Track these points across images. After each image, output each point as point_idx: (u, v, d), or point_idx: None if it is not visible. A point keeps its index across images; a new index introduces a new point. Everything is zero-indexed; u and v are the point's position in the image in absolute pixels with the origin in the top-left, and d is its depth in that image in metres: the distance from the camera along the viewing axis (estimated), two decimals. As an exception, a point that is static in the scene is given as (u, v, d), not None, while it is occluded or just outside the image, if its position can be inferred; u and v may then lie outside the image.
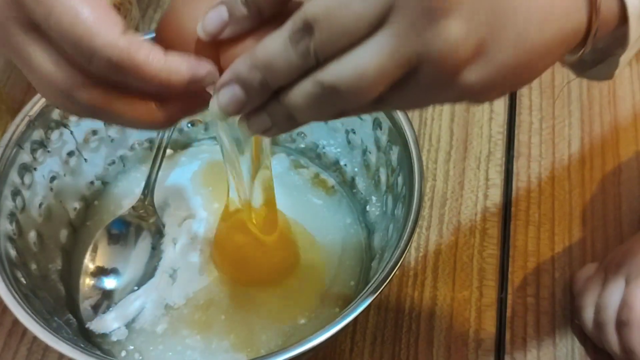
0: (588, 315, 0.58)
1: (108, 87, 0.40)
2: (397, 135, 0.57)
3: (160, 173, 0.62)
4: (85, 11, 0.38)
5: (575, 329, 0.61)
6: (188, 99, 0.42)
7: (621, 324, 0.54)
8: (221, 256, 0.59)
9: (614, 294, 0.55)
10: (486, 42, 0.35)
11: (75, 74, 0.40)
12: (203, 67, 0.40)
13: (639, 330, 0.53)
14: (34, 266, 0.57)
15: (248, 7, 0.38)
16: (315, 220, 0.63)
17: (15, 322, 0.62)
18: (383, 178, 0.60)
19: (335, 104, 0.37)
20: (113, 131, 0.64)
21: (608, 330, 0.55)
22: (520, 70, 0.37)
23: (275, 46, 0.37)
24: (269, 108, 0.39)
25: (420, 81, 0.36)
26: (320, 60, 0.36)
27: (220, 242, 0.59)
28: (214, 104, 0.40)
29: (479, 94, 0.38)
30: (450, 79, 0.36)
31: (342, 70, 0.36)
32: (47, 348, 0.61)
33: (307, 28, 0.35)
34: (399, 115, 0.57)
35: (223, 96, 0.39)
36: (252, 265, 0.59)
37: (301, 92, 0.37)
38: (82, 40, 0.38)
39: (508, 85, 0.38)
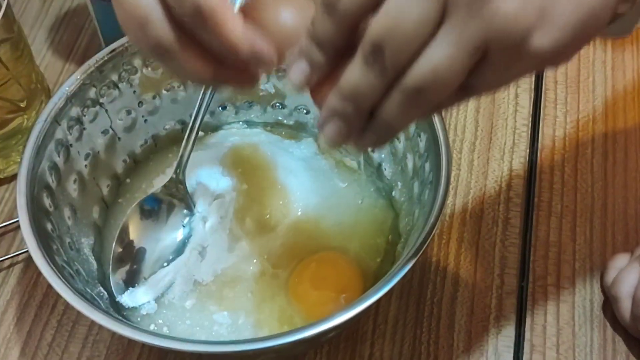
0: (625, 306, 0.59)
1: (182, 31, 0.43)
2: (426, 123, 0.58)
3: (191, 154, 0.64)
4: None
5: (594, 317, 0.62)
6: (241, 71, 0.46)
7: None
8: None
9: None
10: (544, 5, 0.37)
11: (159, 7, 0.43)
12: (267, 51, 0.44)
13: None
14: (68, 240, 0.58)
15: (325, 51, 0.41)
16: (341, 202, 0.64)
17: (46, 294, 0.64)
18: (410, 164, 0.61)
19: (423, 103, 0.39)
20: (146, 111, 0.65)
21: None
22: (584, 24, 0.38)
23: (355, 75, 0.40)
24: (370, 127, 0.42)
25: (494, 61, 0.38)
26: (398, 71, 0.38)
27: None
28: (322, 141, 0.44)
29: (553, 58, 0.39)
30: (520, 49, 0.37)
31: (420, 73, 0.38)
32: (76, 321, 0.63)
33: (377, 50, 0.38)
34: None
35: (328, 131, 0.43)
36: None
37: (392, 104, 0.40)
38: None
39: (577, 40, 0.39)
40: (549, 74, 0.76)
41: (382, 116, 0.41)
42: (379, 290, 0.50)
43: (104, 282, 0.60)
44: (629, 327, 0.60)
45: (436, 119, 0.57)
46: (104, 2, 0.70)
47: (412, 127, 0.60)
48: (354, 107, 0.41)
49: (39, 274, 0.63)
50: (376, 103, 0.40)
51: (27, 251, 0.65)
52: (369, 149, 0.44)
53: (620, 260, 0.62)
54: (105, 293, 0.59)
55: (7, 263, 0.66)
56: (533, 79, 0.75)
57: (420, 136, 0.59)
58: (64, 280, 0.52)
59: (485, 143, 0.71)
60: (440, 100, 0.39)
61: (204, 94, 0.60)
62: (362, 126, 0.42)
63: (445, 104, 0.41)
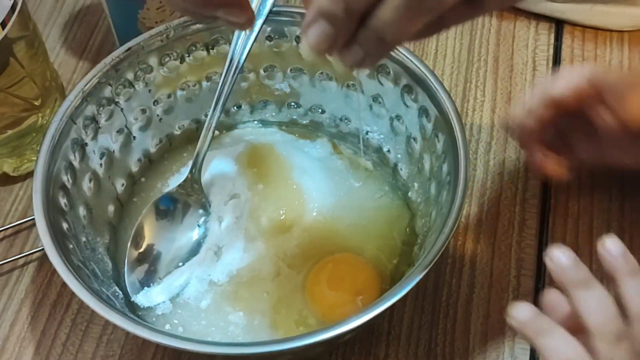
0: None
1: None
2: (444, 123, 0.58)
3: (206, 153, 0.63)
4: None
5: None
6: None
7: None
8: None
9: None
10: None
11: None
12: None
13: None
14: (83, 239, 0.58)
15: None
16: (356, 202, 0.64)
17: (60, 293, 0.64)
18: (427, 165, 0.61)
19: (424, 11, 0.36)
20: (161, 110, 0.65)
21: None
22: None
23: None
24: (359, 37, 0.38)
25: None
26: None
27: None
28: (305, 46, 0.40)
29: None
30: None
31: None
32: (90, 320, 0.63)
33: None
34: (447, 104, 0.57)
35: (312, 34, 0.39)
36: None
37: (388, 8, 0.36)
38: None
39: None
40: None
41: (375, 23, 0.37)
42: (397, 293, 0.50)
43: (119, 281, 0.60)
44: None
45: (455, 120, 0.57)
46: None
47: (429, 127, 0.60)
48: (344, 6, 0.37)
49: (53, 272, 0.64)
50: (370, 6, 0.37)
51: (41, 249, 0.65)
52: (355, 70, 0.40)
53: None
54: (121, 293, 0.59)
55: (21, 261, 0.66)
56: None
57: (437, 137, 0.59)
58: (80, 280, 0.51)
59: (501, 143, 0.71)
60: (443, 9, 0.36)
61: (220, 92, 0.60)
62: (351, 33, 0.38)
63: (448, 20, 0.38)
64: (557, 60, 0.76)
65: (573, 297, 0.44)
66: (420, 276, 0.50)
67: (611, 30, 0.77)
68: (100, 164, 0.62)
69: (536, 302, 0.62)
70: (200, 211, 0.62)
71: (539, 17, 0.78)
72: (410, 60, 0.60)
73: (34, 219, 0.59)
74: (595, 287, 0.44)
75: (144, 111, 0.64)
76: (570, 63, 0.76)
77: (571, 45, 0.77)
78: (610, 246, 0.45)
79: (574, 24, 0.78)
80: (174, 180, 0.64)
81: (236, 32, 0.59)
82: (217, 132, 0.67)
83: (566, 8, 0.77)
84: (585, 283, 0.44)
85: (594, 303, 0.44)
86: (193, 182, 0.61)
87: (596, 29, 0.78)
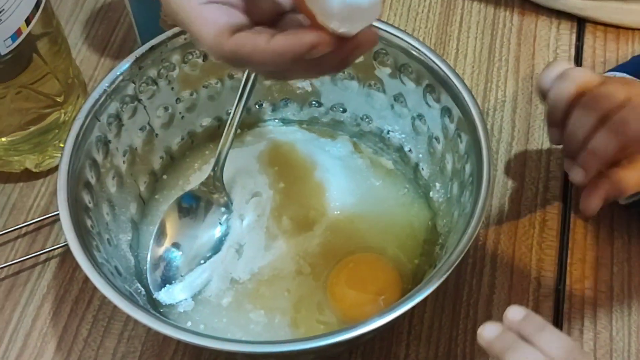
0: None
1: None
2: (467, 124, 0.58)
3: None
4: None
5: (632, 321, 0.61)
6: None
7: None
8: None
9: None
10: None
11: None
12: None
13: None
14: (106, 236, 0.58)
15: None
16: (378, 201, 0.64)
17: (82, 289, 0.65)
18: (449, 165, 0.61)
19: None
20: (183, 108, 0.65)
21: None
22: None
23: None
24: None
25: None
26: None
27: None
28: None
29: None
30: None
31: None
32: (112, 316, 0.63)
33: None
34: (469, 104, 0.57)
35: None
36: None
37: None
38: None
39: None
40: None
41: None
42: (418, 295, 0.50)
43: (141, 278, 0.60)
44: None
45: (478, 120, 0.57)
46: (141, -3, 0.70)
47: (452, 127, 0.60)
48: None
49: (75, 268, 0.65)
50: None
51: (63, 245, 0.66)
52: None
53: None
54: (143, 290, 0.59)
55: (43, 257, 0.66)
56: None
57: (460, 137, 0.59)
58: (104, 277, 0.52)
59: (522, 144, 0.71)
60: None
61: (243, 90, 0.60)
62: None
63: None
64: (578, 60, 0.76)
65: None
66: (443, 279, 0.50)
67: (633, 29, 0.77)
68: (124, 161, 0.62)
69: (556, 303, 0.62)
70: (222, 209, 0.62)
71: (561, 16, 0.78)
72: (433, 60, 0.60)
73: (56, 215, 0.60)
74: (520, 346, 0.46)
75: (166, 109, 0.64)
76: (592, 63, 0.75)
77: (593, 45, 0.77)
78: (513, 314, 0.48)
79: (594, 22, 0.78)
80: (196, 178, 0.65)
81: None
82: (238, 131, 0.67)
83: (587, 5, 0.76)
84: (513, 346, 0.46)
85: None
86: (215, 180, 0.62)
87: (617, 27, 0.77)
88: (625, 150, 0.56)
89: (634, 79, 0.61)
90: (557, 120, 0.59)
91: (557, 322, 0.62)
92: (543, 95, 0.61)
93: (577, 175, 0.57)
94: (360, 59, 0.63)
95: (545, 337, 0.46)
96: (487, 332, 0.47)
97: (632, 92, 0.56)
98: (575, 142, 0.57)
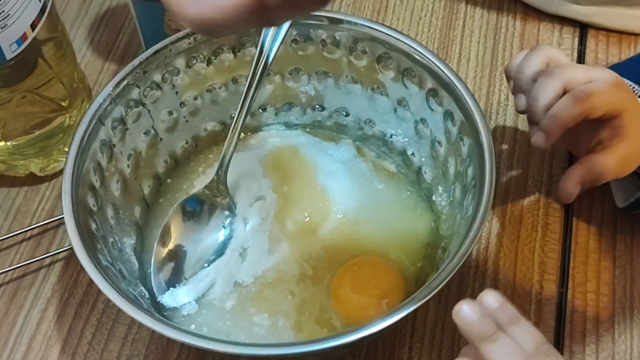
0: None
1: None
2: (469, 127, 0.58)
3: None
4: None
5: (634, 324, 0.61)
6: None
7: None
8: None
9: None
10: None
11: None
12: None
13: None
14: (111, 239, 0.59)
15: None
16: (381, 205, 0.65)
17: (86, 292, 0.65)
18: (452, 169, 0.61)
19: None
20: (187, 112, 0.66)
21: None
22: None
23: None
24: None
25: None
26: None
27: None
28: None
29: None
30: None
31: None
32: (116, 319, 0.64)
33: None
34: (472, 108, 0.58)
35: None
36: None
37: None
38: None
39: None
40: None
41: None
42: (421, 298, 0.50)
43: (145, 282, 0.60)
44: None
45: (480, 124, 0.57)
46: (145, 2, 0.70)
47: (455, 130, 0.60)
48: None
49: (80, 271, 0.65)
50: None
51: (68, 249, 0.66)
52: None
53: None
54: (147, 293, 0.59)
55: (47, 261, 0.67)
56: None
57: (463, 141, 0.59)
58: (109, 280, 0.52)
59: (524, 148, 0.71)
60: None
61: (246, 94, 0.60)
62: None
63: None
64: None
65: (481, 352, 0.46)
66: (445, 281, 0.50)
67: (636, 34, 0.77)
68: (128, 165, 0.62)
69: (559, 306, 0.63)
70: (226, 212, 0.62)
71: (563, 21, 0.78)
72: (436, 64, 0.60)
73: (60, 218, 0.60)
74: (500, 338, 0.46)
75: (170, 113, 0.65)
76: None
77: (595, 49, 0.77)
78: (489, 301, 0.47)
79: (598, 28, 0.78)
80: (200, 182, 0.65)
81: (262, 36, 0.60)
82: (242, 135, 0.67)
83: (590, 11, 0.77)
84: (492, 337, 0.46)
85: (502, 352, 0.46)
86: (219, 183, 0.62)
87: (620, 32, 0.78)
88: (596, 132, 0.58)
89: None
90: (523, 87, 0.60)
91: (560, 326, 0.62)
92: (509, 77, 0.63)
93: (538, 139, 0.58)
94: (364, 62, 0.64)
95: (519, 329, 0.46)
96: (467, 313, 0.46)
97: (598, 74, 0.58)
98: (539, 107, 0.58)
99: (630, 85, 0.61)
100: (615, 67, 0.64)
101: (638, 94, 0.61)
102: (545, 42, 0.77)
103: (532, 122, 0.60)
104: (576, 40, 0.77)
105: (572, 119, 0.57)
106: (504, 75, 0.75)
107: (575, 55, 0.76)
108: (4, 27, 0.58)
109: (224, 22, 0.39)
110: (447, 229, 0.61)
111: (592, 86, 0.57)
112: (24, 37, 0.60)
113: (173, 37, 0.62)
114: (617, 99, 0.57)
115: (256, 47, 0.60)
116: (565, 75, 0.58)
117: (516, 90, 0.62)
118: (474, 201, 0.55)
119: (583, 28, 0.78)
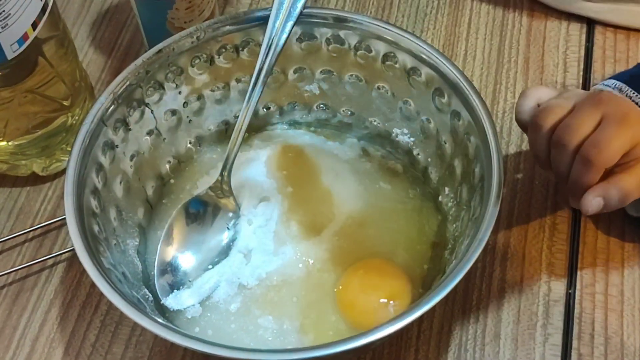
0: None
1: None
2: (476, 127, 0.57)
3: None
4: None
5: (644, 328, 0.61)
6: None
7: None
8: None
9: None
10: None
11: None
12: None
13: None
14: (114, 241, 0.58)
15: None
16: (386, 206, 0.64)
17: (89, 294, 0.65)
18: (458, 169, 0.60)
19: None
20: (190, 112, 0.65)
21: None
22: None
23: None
24: None
25: None
26: None
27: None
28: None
29: None
30: None
31: None
32: (119, 321, 0.63)
33: None
34: (479, 107, 0.57)
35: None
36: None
37: None
38: None
39: None
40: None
41: None
42: (428, 302, 0.50)
43: (148, 284, 0.60)
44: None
45: (487, 123, 0.56)
46: (148, -1, 0.70)
47: (461, 131, 0.59)
48: None
49: (82, 273, 0.64)
50: None
51: (70, 250, 0.65)
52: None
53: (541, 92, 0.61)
54: (151, 295, 0.59)
55: (50, 262, 0.66)
56: (580, 81, 0.74)
57: (469, 140, 0.58)
58: (111, 283, 0.51)
59: (531, 146, 0.70)
60: None
61: (250, 93, 0.59)
62: None
63: None
64: (588, 62, 0.75)
65: None
66: (452, 285, 0.49)
67: (644, 31, 0.76)
68: (131, 166, 0.62)
69: (567, 308, 0.62)
70: (230, 214, 0.62)
71: (570, 17, 0.78)
72: (442, 63, 0.59)
73: (63, 219, 0.60)
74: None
75: (173, 113, 0.64)
76: (602, 63, 0.75)
77: (603, 46, 0.76)
78: None
79: (606, 24, 0.77)
80: (203, 182, 0.64)
81: (266, 34, 0.59)
82: (246, 134, 0.66)
83: (602, 8, 0.76)
84: None
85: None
86: (223, 184, 0.61)
87: (628, 29, 0.77)
88: (627, 157, 0.56)
89: (617, 93, 0.60)
90: (542, 153, 0.59)
91: (568, 327, 0.61)
92: (523, 127, 0.62)
93: (572, 203, 0.60)
94: (369, 61, 0.63)
95: None
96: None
97: (604, 112, 0.56)
98: (560, 175, 0.58)
99: (634, 93, 0.60)
100: (622, 76, 0.63)
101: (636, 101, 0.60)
102: (553, 39, 0.76)
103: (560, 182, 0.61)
104: (583, 37, 0.77)
105: (592, 181, 0.56)
106: (510, 73, 0.75)
107: (583, 52, 0.76)
108: (5, 27, 0.58)
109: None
110: (454, 230, 0.60)
111: (595, 139, 0.56)
112: (25, 36, 0.60)
113: (176, 36, 0.62)
114: (628, 134, 0.56)
115: (260, 46, 0.60)
116: (571, 140, 0.57)
117: (536, 155, 0.61)
118: (481, 202, 0.54)
119: (590, 25, 0.77)
